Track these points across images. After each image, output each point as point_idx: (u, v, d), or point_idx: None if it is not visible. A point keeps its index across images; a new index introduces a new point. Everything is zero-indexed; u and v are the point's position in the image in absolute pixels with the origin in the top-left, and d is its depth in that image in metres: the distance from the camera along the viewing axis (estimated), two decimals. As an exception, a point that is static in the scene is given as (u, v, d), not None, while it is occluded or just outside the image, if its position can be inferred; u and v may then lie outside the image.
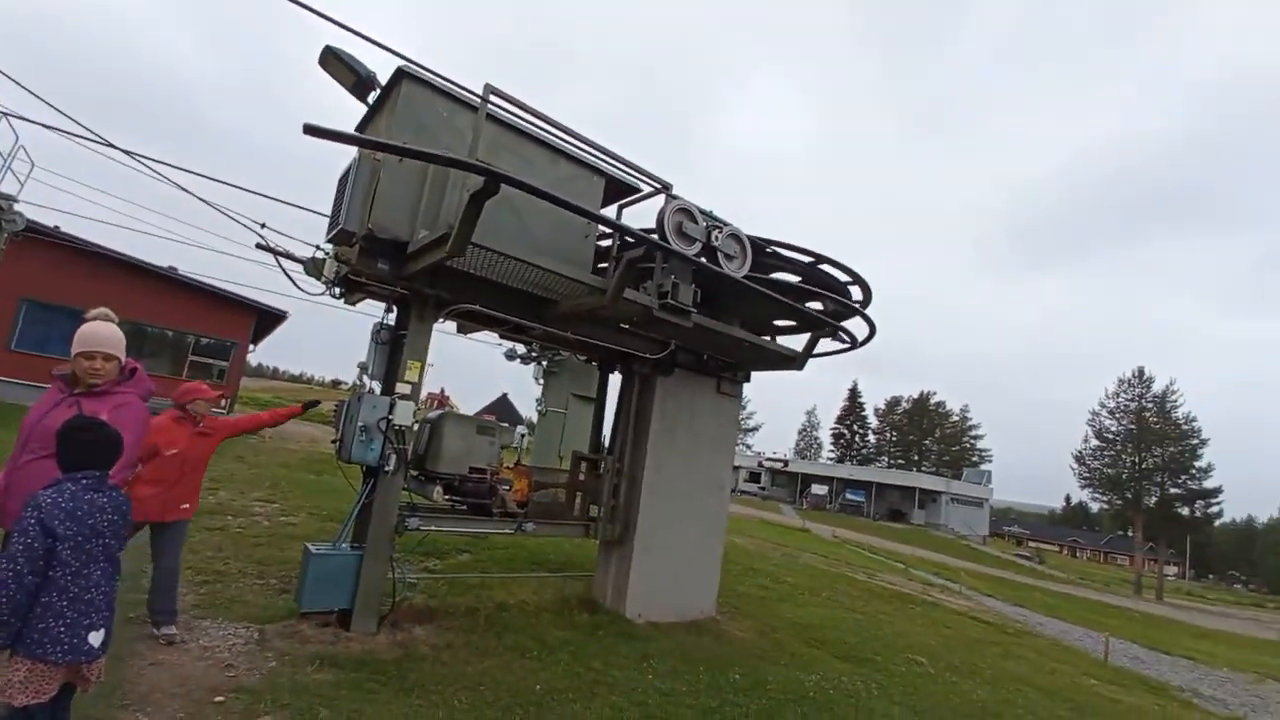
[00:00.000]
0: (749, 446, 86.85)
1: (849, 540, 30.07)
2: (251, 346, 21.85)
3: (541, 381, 19.23)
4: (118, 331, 2.91)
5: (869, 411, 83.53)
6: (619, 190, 6.35)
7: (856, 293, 7.11)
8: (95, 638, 2.25)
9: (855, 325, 7.21)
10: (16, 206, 12.32)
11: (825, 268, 6.74)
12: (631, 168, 5.74)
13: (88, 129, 8.01)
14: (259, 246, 6.32)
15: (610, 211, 6.56)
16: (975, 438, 78.10)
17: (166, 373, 17.56)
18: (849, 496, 56.49)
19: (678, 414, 7.19)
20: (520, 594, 6.76)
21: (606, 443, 7.43)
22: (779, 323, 7.75)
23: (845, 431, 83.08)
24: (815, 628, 7.97)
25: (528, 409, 19.60)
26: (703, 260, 5.21)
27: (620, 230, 5.53)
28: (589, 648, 5.41)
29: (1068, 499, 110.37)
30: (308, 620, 4.92)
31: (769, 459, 66.22)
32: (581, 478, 7.23)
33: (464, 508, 6.03)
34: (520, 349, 16.64)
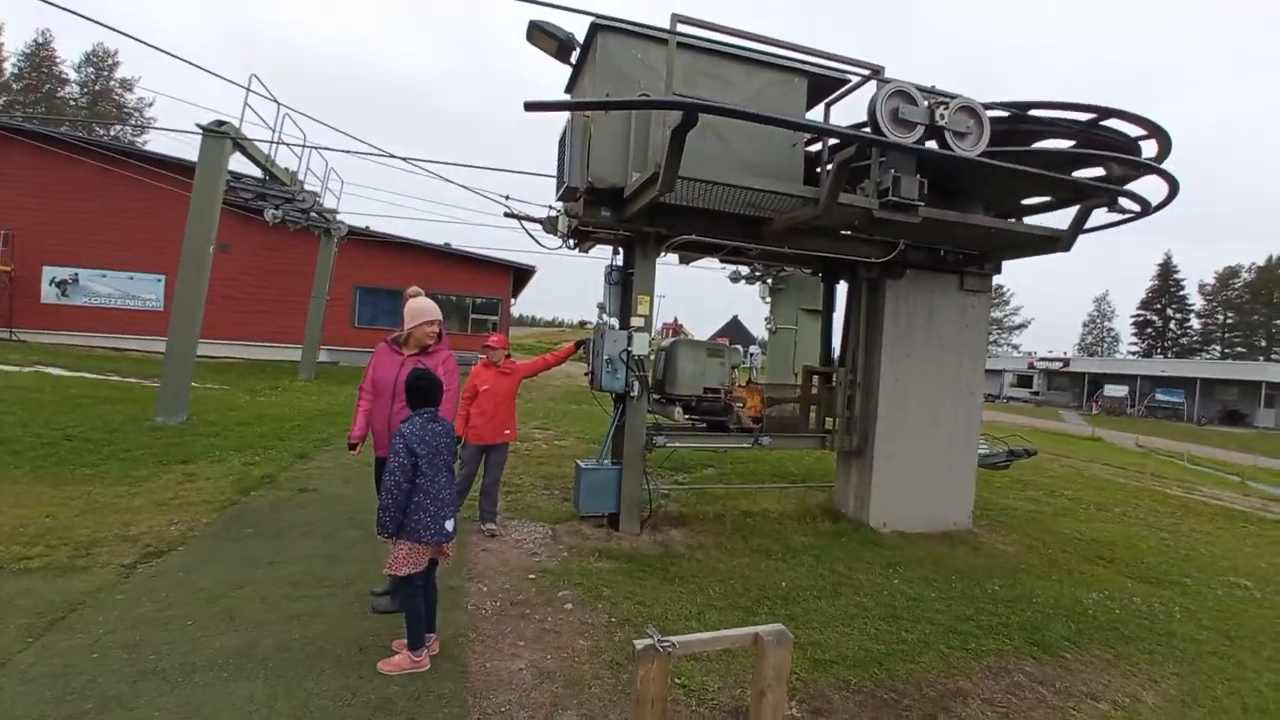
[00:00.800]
0: (1015, 347, 75.87)
1: (1159, 450, 25.00)
2: (512, 300, 25.40)
3: (768, 300, 19.16)
4: (432, 302, 3.84)
5: (1189, 290, 66.32)
6: (825, 87, 5.91)
7: (1150, 147, 5.74)
8: (449, 524, 3.15)
9: (1145, 187, 5.84)
10: (338, 217, 15.89)
11: (1109, 123, 5.53)
12: (834, 59, 5.29)
13: (371, 144, 9.92)
14: (506, 215, 7.33)
15: (818, 111, 6.16)
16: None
17: (455, 330, 21.53)
18: (1159, 397, 46.34)
19: (913, 318, 6.70)
20: (763, 503, 7.16)
21: (837, 355, 7.27)
22: (1031, 201, 6.63)
23: (1154, 318, 67.51)
24: (1102, 544, 7.02)
25: (760, 328, 19.77)
26: (924, 146, 4.67)
27: (818, 130, 5.22)
28: (832, 552, 5.60)
29: None
30: (585, 522, 5.92)
31: (1042, 359, 57.11)
32: (814, 391, 7.24)
33: (703, 425, 6.53)
34: (744, 270, 16.74)
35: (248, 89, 9.27)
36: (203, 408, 9.56)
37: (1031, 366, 57.09)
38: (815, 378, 7.31)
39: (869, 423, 6.67)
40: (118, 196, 18.22)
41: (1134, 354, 66.93)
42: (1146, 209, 5.77)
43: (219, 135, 8.78)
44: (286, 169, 12.37)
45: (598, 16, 5.06)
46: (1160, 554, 6.93)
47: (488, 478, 5.51)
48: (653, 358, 6.31)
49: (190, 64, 7.53)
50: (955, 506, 6.93)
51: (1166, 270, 66.99)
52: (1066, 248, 5.78)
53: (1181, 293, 66.48)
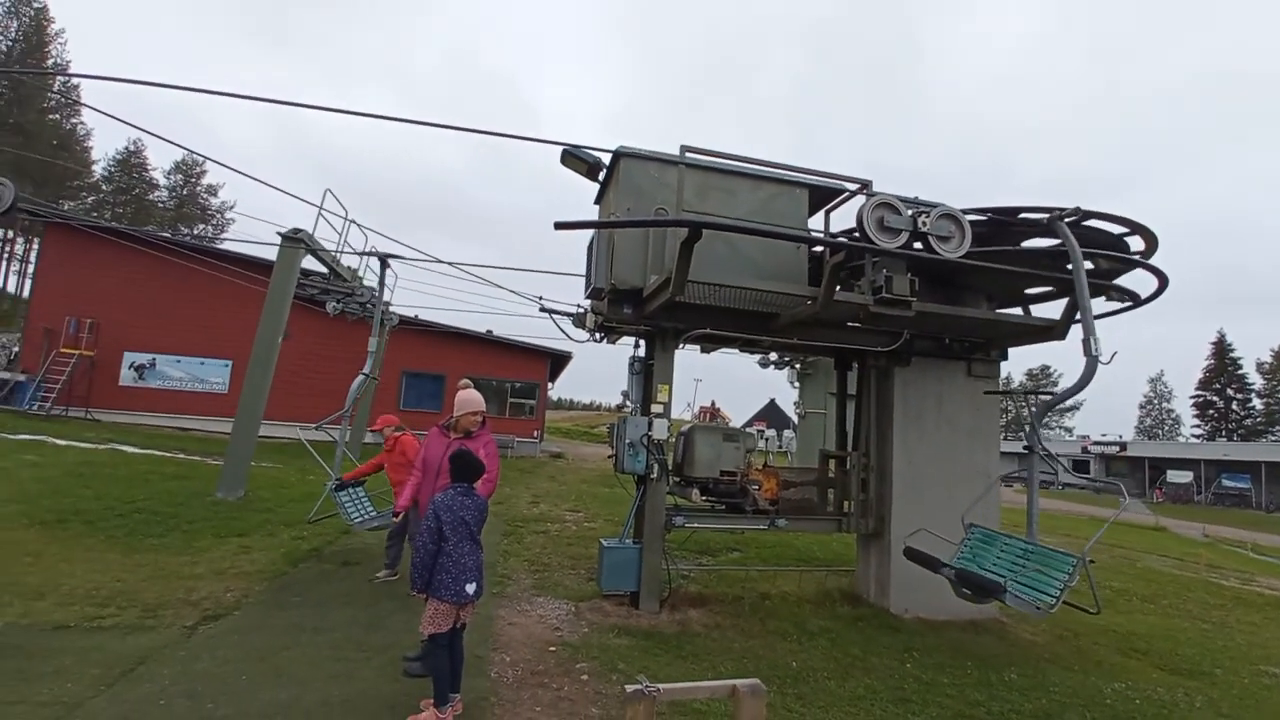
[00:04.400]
0: (1069, 430, 72.83)
1: (1225, 539, 23.45)
2: (550, 384, 26.27)
3: (797, 385, 19.43)
4: (480, 395, 4.43)
5: (1248, 368, 63.40)
6: (824, 196, 6.59)
7: (1137, 241, 6.13)
8: (470, 588, 3.52)
9: (1139, 280, 6.19)
10: (391, 309, 17.20)
11: (1093, 223, 5.98)
12: (829, 175, 5.98)
13: (421, 251, 11.05)
14: (541, 310, 8.08)
15: (819, 218, 6.82)
16: None
17: (494, 414, 22.33)
18: (1225, 483, 43.54)
19: (923, 403, 6.99)
20: (784, 586, 7.25)
21: (851, 439, 7.54)
22: (1034, 291, 7.01)
23: (1214, 399, 64.37)
24: (1138, 636, 6.82)
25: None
26: (908, 250, 5.18)
27: (804, 240, 5.85)
28: (848, 636, 5.68)
29: None
30: (607, 600, 6.16)
31: (1096, 443, 54.60)
32: (831, 474, 7.47)
33: (721, 507, 6.81)
34: (773, 356, 17.18)
35: (320, 206, 10.55)
36: (257, 484, 10.26)
37: (1085, 451, 54.58)
38: (832, 461, 7.56)
39: (884, 506, 6.84)
40: (193, 289, 20.09)
41: (1197, 437, 63.48)
42: (1137, 300, 6.09)
43: (295, 242, 9.97)
44: (349, 267, 13.68)
45: (621, 148, 5.89)
46: (1197, 645, 6.69)
47: None
48: (672, 441, 6.72)
49: (269, 185, 8.78)
50: (979, 593, 6.88)
51: (1221, 349, 64.48)
52: (1061, 336, 6.10)
53: (1240, 371, 63.57)
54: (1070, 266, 5.26)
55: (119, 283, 20.04)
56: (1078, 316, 6.15)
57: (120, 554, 6.30)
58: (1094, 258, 6.06)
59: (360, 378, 8.82)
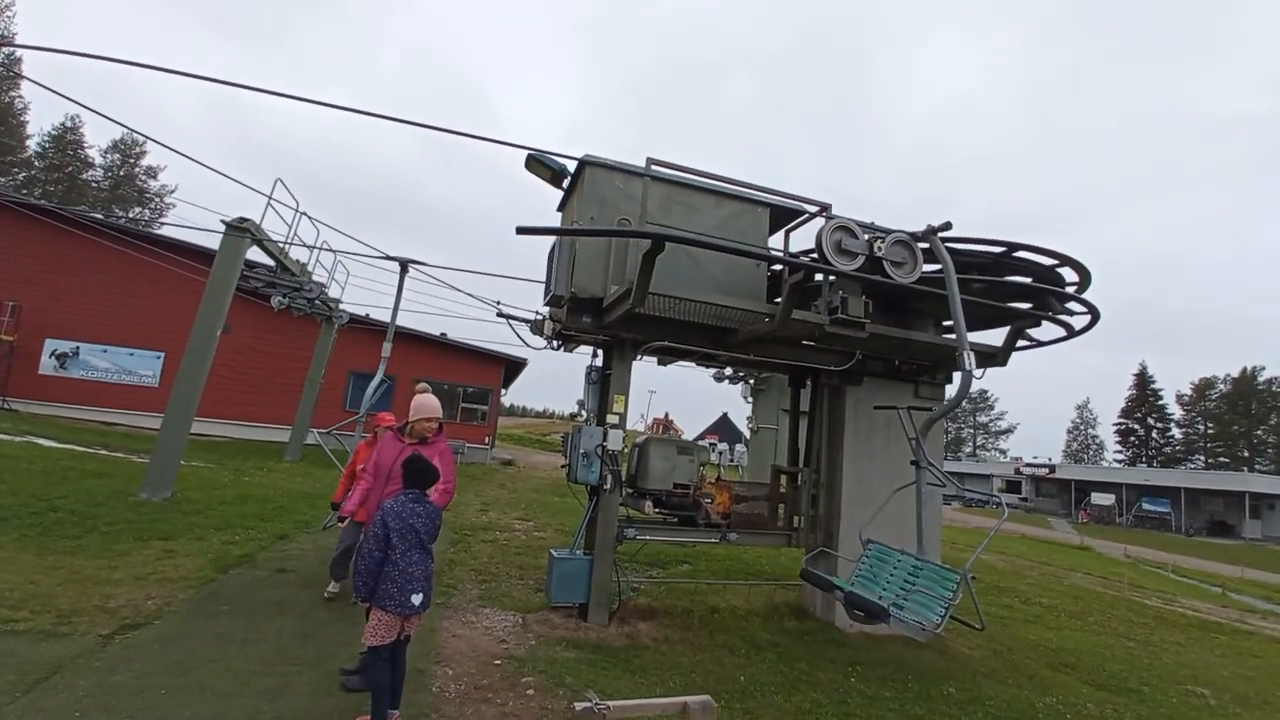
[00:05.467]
0: (1002, 452, 76.26)
1: (1146, 560, 24.89)
2: (503, 390, 25.89)
3: (750, 400, 19.69)
4: (437, 401, 4.28)
5: (1168, 399, 67.84)
6: (784, 216, 6.73)
7: (1071, 275, 6.47)
8: (416, 599, 3.37)
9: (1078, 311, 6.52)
10: (341, 306, 16.64)
11: (1024, 254, 6.27)
12: (790, 196, 6.10)
13: (372, 247, 10.77)
14: (498, 315, 7.95)
15: (779, 237, 6.95)
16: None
17: (446, 418, 21.83)
18: (1146, 506, 46.26)
19: (873, 422, 7.18)
20: (733, 600, 7.29)
21: (802, 455, 7.67)
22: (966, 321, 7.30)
23: (1135, 426, 68.48)
24: (1067, 652, 7.14)
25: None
26: (864, 275, 5.33)
27: (765, 258, 5.94)
28: (795, 650, 5.74)
29: None
30: (556, 612, 6.05)
31: (1028, 464, 57.34)
32: (782, 490, 7.57)
33: (674, 520, 6.80)
34: (727, 371, 17.37)
35: (270, 196, 10.15)
36: (187, 485, 9.70)
37: (1018, 472, 57.21)
38: (783, 477, 7.66)
39: (833, 522, 6.98)
40: (124, 275, 18.96)
41: (1120, 462, 67.31)
42: (1071, 332, 6.43)
43: (240, 232, 9.55)
44: (297, 260, 13.19)
45: (587, 156, 5.88)
46: (1124, 662, 7.05)
47: None
48: (626, 452, 6.69)
49: (215, 171, 8.38)
50: (919, 608, 7.07)
51: (1143, 380, 68.77)
52: (1003, 363, 6.38)
53: (1160, 402, 67.92)
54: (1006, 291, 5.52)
55: (44, 265, 18.76)
56: (1020, 344, 6.48)
57: (34, 555, 5.84)
58: (1041, 293, 6.37)
59: (378, 379, 8.51)
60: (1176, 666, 7.23)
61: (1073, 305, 6.40)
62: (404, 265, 9.59)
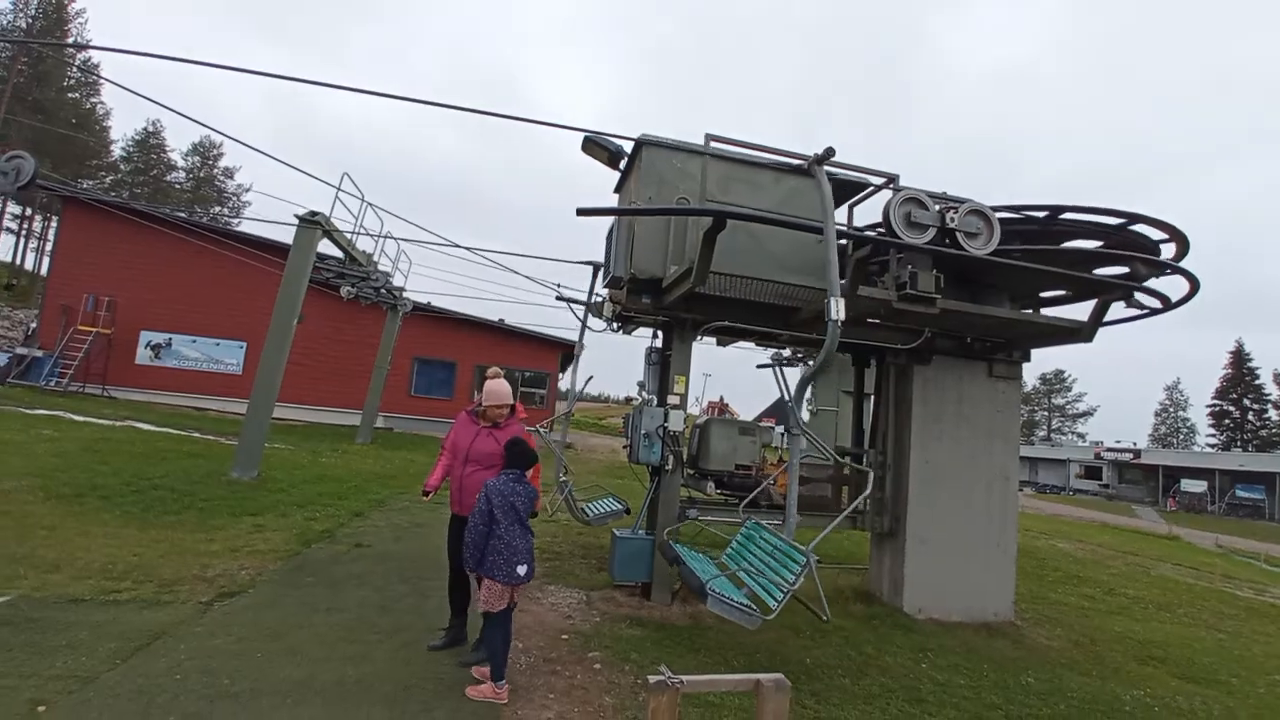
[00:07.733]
0: (1080, 436, 72.06)
1: (1239, 550, 23.13)
2: (560, 375, 26.27)
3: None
4: (508, 385, 4.40)
5: (1265, 378, 62.35)
6: (849, 190, 6.48)
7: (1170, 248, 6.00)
8: (521, 570, 3.63)
9: (1168, 283, 6.06)
10: (405, 294, 17.22)
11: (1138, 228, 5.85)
12: (855, 168, 5.87)
13: (436, 234, 11.06)
14: (558, 298, 8.03)
15: (841, 211, 6.70)
16: None
17: (506, 401, 22.37)
18: (1240, 494, 42.91)
19: (943, 402, 6.89)
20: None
21: (868, 436, 7.46)
22: (1048, 294, 6.90)
23: (1230, 409, 63.39)
24: (1155, 644, 6.72)
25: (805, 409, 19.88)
26: (934, 247, 5.08)
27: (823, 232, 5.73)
28: (862, 634, 5.62)
29: None
30: (619, 590, 6.14)
31: (1110, 449, 54.03)
32: (846, 472, 7.39)
33: (735, 501, 6.75)
34: (786, 352, 17.07)
35: (338, 187, 10.55)
36: (271, 465, 10.31)
37: (1098, 457, 54.03)
38: (848, 458, 7.48)
39: (900, 505, 6.76)
40: (208, 270, 20.24)
41: (1212, 446, 62.58)
42: (1167, 304, 5.96)
43: (312, 225, 9.98)
44: (364, 252, 13.70)
45: (644, 136, 5.81)
46: (1214, 655, 6.59)
47: None
48: (688, 434, 6.67)
49: (290, 166, 8.79)
50: (995, 595, 6.80)
51: (1240, 358, 63.44)
52: (1088, 338, 5.97)
53: (1257, 382, 62.51)
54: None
55: (136, 262, 20.20)
56: (1107, 318, 6.06)
57: (136, 529, 6.34)
58: (1131, 262, 5.93)
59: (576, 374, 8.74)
60: (1266, 658, 6.74)
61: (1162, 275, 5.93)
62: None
